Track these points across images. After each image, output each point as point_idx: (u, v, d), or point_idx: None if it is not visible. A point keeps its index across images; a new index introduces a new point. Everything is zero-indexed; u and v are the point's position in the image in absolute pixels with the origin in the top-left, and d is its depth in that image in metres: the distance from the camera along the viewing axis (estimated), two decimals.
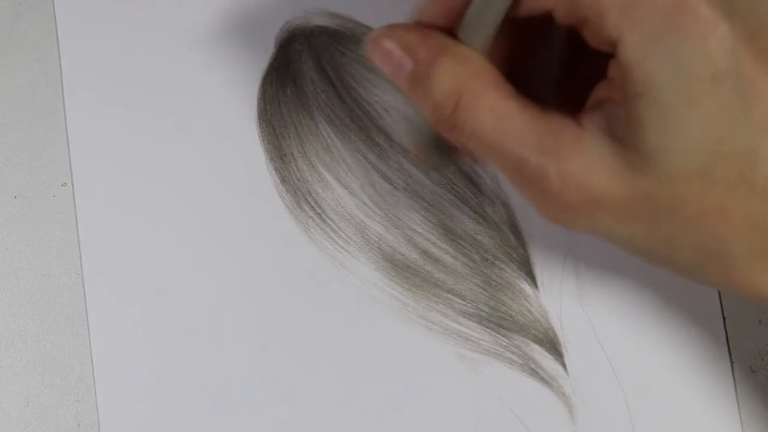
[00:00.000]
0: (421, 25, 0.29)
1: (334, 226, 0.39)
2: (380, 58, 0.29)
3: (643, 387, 0.38)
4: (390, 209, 0.39)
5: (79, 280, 0.38)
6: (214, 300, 0.38)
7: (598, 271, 0.39)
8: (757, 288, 0.28)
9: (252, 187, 0.39)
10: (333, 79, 0.40)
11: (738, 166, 0.26)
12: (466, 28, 0.28)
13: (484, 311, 0.38)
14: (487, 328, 0.38)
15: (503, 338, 0.38)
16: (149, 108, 0.39)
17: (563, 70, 0.32)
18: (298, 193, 0.39)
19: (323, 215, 0.39)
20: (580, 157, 0.27)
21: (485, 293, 0.39)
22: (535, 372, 0.38)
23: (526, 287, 0.39)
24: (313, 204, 0.39)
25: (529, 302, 0.39)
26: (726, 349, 0.38)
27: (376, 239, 0.39)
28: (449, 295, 0.38)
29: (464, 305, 0.38)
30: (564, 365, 0.38)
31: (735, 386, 0.38)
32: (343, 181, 0.39)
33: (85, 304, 0.38)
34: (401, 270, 0.39)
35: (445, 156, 0.33)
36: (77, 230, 0.39)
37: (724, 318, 0.39)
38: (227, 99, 0.40)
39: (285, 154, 0.39)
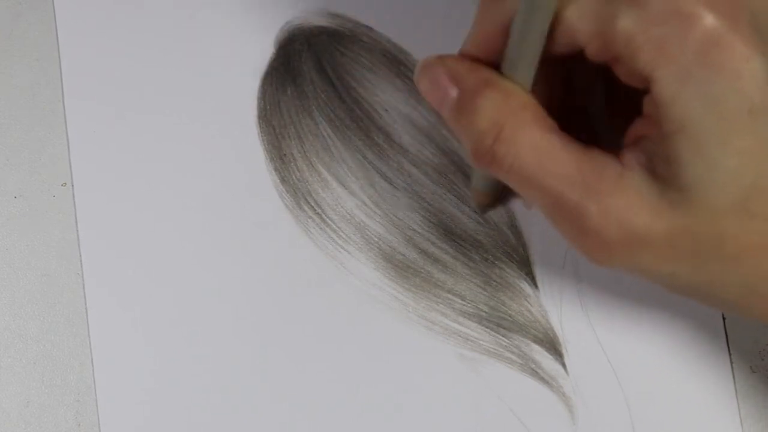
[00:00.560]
0: (470, 58, 0.29)
1: (334, 226, 0.39)
2: (427, 86, 0.29)
3: (643, 387, 0.38)
4: (390, 209, 0.39)
5: (79, 280, 0.38)
6: (214, 300, 0.38)
7: (598, 271, 0.39)
8: None
9: (252, 187, 0.39)
10: (333, 79, 0.40)
11: None
12: (508, 63, 0.28)
13: (484, 311, 0.38)
14: (487, 328, 0.38)
15: (503, 338, 0.38)
16: (149, 108, 0.39)
17: (601, 108, 0.32)
18: (298, 193, 0.39)
19: (323, 215, 0.39)
20: (621, 194, 0.27)
21: (485, 293, 0.39)
22: (535, 372, 0.38)
23: (526, 287, 0.39)
24: (313, 204, 0.39)
25: (529, 302, 0.39)
26: (726, 349, 0.38)
27: (376, 239, 0.39)
28: (449, 295, 0.38)
29: (464, 305, 0.38)
30: (564, 365, 0.38)
31: (735, 386, 0.38)
32: (343, 181, 0.39)
33: (85, 304, 0.38)
34: (401, 270, 0.39)
35: (501, 198, 0.33)
36: (77, 230, 0.39)
37: (724, 318, 0.39)
38: (227, 99, 0.40)
39: (285, 154, 0.39)
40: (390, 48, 0.40)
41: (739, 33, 0.25)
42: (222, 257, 0.39)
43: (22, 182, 0.39)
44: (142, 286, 0.38)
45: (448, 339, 0.38)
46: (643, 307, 0.39)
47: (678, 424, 0.38)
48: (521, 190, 0.29)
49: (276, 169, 0.39)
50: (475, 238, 0.39)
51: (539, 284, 0.39)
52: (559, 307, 0.39)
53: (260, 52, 0.40)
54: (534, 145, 0.27)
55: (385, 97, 0.40)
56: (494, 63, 0.29)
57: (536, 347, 0.38)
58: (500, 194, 0.33)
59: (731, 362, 0.38)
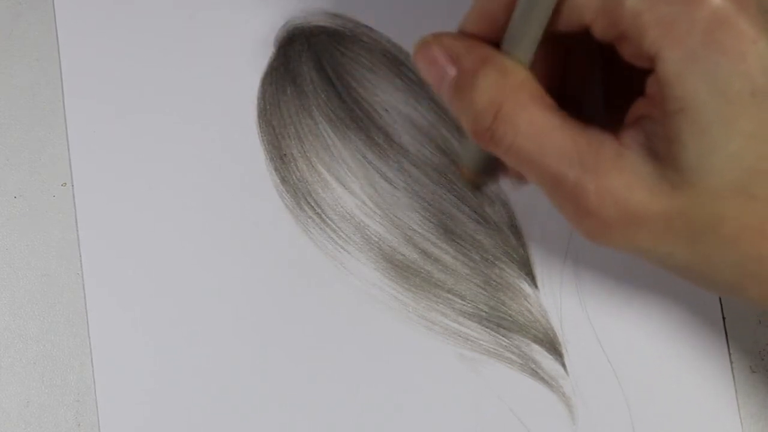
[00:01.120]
0: (468, 35, 0.29)
1: (334, 226, 0.39)
2: (425, 65, 0.29)
3: (643, 387, 0.38)
4: (390, 209, 0.39)
5: (79, 280, 0.38)
6: (214, 300, 0.38)
7: (598, 271, 0.39)
8: None
9: (252, 187, 0.39)
10: (333, 79, 0.40)
11: None
12: (509, 40, 0.28)
13: (484, 311, 0.38)
14: (487, 328, 0.38)
15: (503, 338, 0.38)
16: (149, 108, 0.39)
17: (602, 87, 0.31)
18: (298, 193, 0.39)
19: (323, 215, 0.39)
20: (619, 173, 0.27)
21: (485, 293, 0.39)
22: (535, 372, 0.38)
23: (526, 287, 0.39)
24: (313, 204, 0.39)
25: (529, 302, 0.39)
26: (726, 349, 0.38)
27: (376, 239, 0.39)
28: (449, 295, 0.38)
29: (464, 305, 0.38)
30: (564, 365, 0.38)
31: (735, 386, 0.38)
32: (343, 181, 0.39)
33: (85, 304, 0.38)
34: (401, 270, 0.39)
35: (491, 175, 0.33)
36: (77, 230, 0.39)
37: (724, 318, 0.39)
38: (227, 99, 0.40)
39: (285, 154, 0.39)
40: (390, 48, 0.40)
41: (746, 14, 0.25)
42: (222, 257, 0.39)
43: (22, 182, 0.39)
44: (142, 286, 0.38)
45: (448, 339, 0.38)
46: (644, 308, 0.39)
47: (678, 424, 0.38)
48: (520, 169, 0.28)
49: (276, 169, 0.39)
50: (475, 238, 0.39)
51: (539, 284, 0.39)
52: (559, 307, 0.39)
53: (260, 52, 0.40)
54: (533, 124, 0.27)
55: (385, 97, 0.40)
56: (493, 40, 0.29)
57: (536, 347, 0.38)
58: (490, 171, 0.33)
59: (731, 362, 0.38)
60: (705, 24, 0.25)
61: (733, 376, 0.38)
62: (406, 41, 0.40)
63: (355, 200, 0.39)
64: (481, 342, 0.38)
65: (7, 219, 0.39)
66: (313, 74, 0.40)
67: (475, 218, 0.39)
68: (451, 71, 0.29)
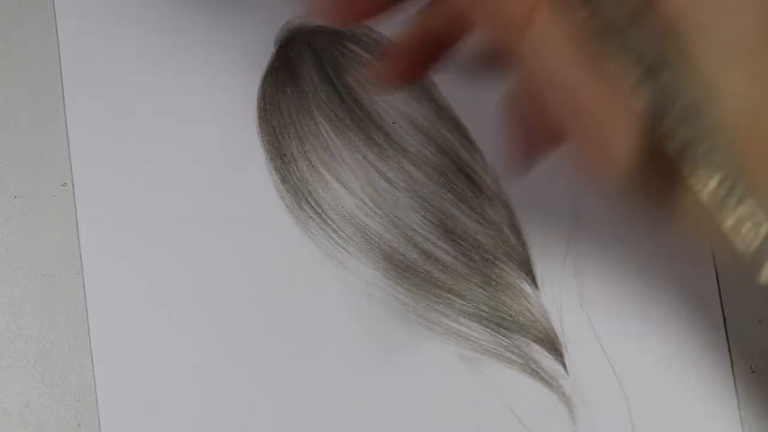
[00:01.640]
0: None
1: (334, 226, 0.39)
2: None
3: (643, 387, 0.38)
4: (390, 209, 0.39)
5: (79, 280, 0.38)
6: (213, 300, 0.38)
7: (598, 271, 0.39)
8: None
9: (252, 187, 0.39)
10: (333, 79, 0.40)
11: None
12: None
13: (484, 311, 0.38)
14: (487, 328, 0.38)
15: (503, 338, 0.38)
16: (149, 108, 0.39)
17: None
18: (298, 193, 0.39)
19: (323, 215, 0.39)
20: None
21: (485, 293, 0.39)
22: (535, 372, 0.38)
23: (526, 287, 0.39)
24: (313, 204, 0.39)
25: (529, 302, 0.39)
26: (726, 349, 0.38)
27: (376, 239, 0.39)
28: (449, 295, 0.38)
29: (464, 305, 0.38)
30: (564, 365, 0.38)
31: (735, 386, 0.38)
32: (343, 181, 0.39)
33: (85, 304, 0.38)
34: (401, 270, 0.39)
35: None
36: (77, 230, 0.39)
37: (724, 318, 0.39)
38: (227, 99, 0.39)
39: (285, 154, 0.39)
40: None
41: None
42: (222, 257, 0.39)
43: (22, 182, 0.39)
44: (142, 286, 0.38)
45: (448, 339, 0.38)
46: (644, 308, 0.39)
47: (678, 424, 0.38)
48: (543, 80, 0.26)
49: (276, 169, 0.39)
50: (475, 238, 0.39)
51: (539, 284, 0.39)
52: (559, 307, 0.39)
53: (260, 52, 0.40)
54: (564, 34, 0.25)
55: (385, 97, 0.40)
56: None
57: (536, 347, 0.38)
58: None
59: (731, 362, 0.38)
60: None
61: (733, 376, 0.38)
62: None
63: (355, 200, 0.39)
64: (482, 342, 0.38)
65: (7, 219, 0.39)
66: (313, 74, 0.40)
67: (475, 218, 0.39)
68: None
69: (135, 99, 0.39)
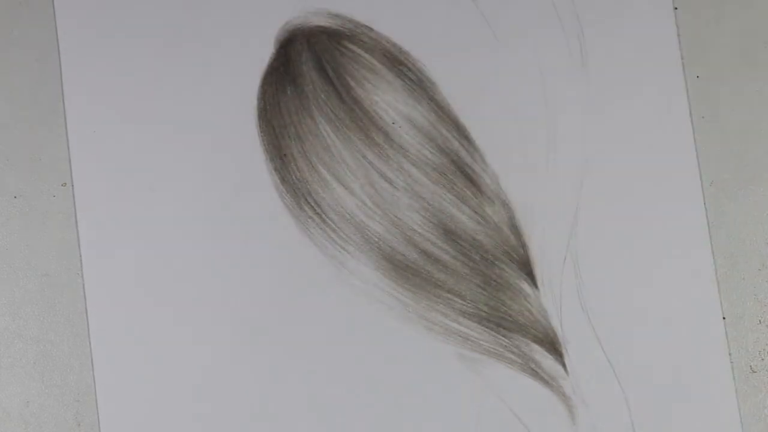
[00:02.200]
0: None
1: (334, 226, 0.39)
2: None
3: (643, 387, 0.38)
4: (390, 209, 0.39)
5: (79, 280, 0.38)
6: (213, 299, 0.38)
7: (598, 271, 0.39)
8: None
9: (252, 187, 0.39)
10: (333, 79, 0.40)
11: None
12: None
13: (484, 311, 0.38)
14: (487, 328, 0.38)
15: (503, 338, 0.38)
16: (149, 108, 0.39)
17: None
18: (298, 193, 0.39)
19: (323, 215, 0.39)
20: None
21: (485, 293, 0.39)
22: (535, 372, 0.38)
23: (526, 287, 0.39)
24: (313, 204, 0.39)
25: (529, 302, 0.39)
26: (726, 349, 0.38)
27: (376, 239, 0.39)
28: (449, 295, 0.38)
29: (464, 305, 0.38)
30: (564, 365, 0.38)
31: (735, 386, 0.38)
32: (343, 181, 0.39)
33: (85, 304, 0.38)
34: (401, 270, 0.39)
35: None
36: (77, 230, 0.39)
37: (724, 318, 0.39)
38: (227, 99, 0.40)
39: (285, 154, 0.39)
40: (390, 48, 0.40)
41: None
42: (222, 257, 0.39)
43: (22, 182, 0.39)
44: (141, 286, 0.38)
45: (448, 339, 0.38)
46: (643, 308, 0.39)
47: (678, 424, 0.38)
48: None
49: (276, 169, 0.39)
50: (475, 238, 0.39)
51: (539, 284, 0.39)
52: (559, 307, 0.39)
53: (260, 52, 0.40)
54: None
55: (385, 97, 0.40)
56: None
57: (536, 347, 0.38)
58: None
59: (731, 362, 0.38)
60: None
61: (733, 376, 0.38)
62: (406, 41, 0.40)
63: (355, 200, 0.39)
64: (481, 342, 0.38)
65: (7, 219, 0.39)
66: (313, 74, 0.40)
67: (475, 218, 0.39)
68: None
69: (135, 99, 0.39)
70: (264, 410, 0.38)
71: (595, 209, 0.39)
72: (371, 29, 0.40)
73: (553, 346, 0.38)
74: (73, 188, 0.39)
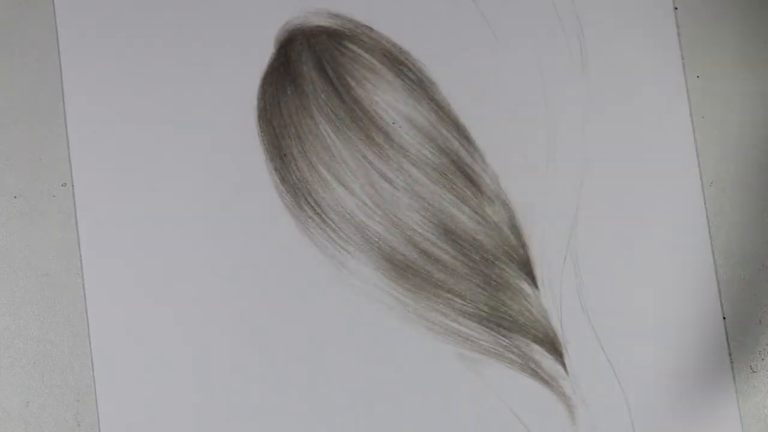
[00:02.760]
0: None
1: (334, 226, 0.39)
2: None
3: (643, 387, 0.38)
4: (390, 209, 0.39)
5: (79, 280, 0.38)
6: (213, 300, 0.38)
7: (598, 271, 0.39)
8: None
9: (252, 187, 0.39)
10: (333, 79, 0.40)
11: None
12: None
13: (484, 311, 0.38)
14: (487, 328, 0.38)
15: (503, 338, 0.38)
16: (149, 108, 0.39)
17: None
18: (298, 193, 0.39)
19: (323, 215, 0.39)
20: None
21: (485, 293, 0.39)
22: (535, 372, 0.38)
23: (526, 287, 0.39)
24: (313, 204, 0.39)
25: (529, 302, 0.39)
26: (726, 349, 0.38)
27: (376, 239, 0.39)
28: (449, 295, 0.38)
29: (464, 305, 0.38)
30: (564, 365, 0.38)
31: (735, 386, 0.38)
32: (343, 181, 0.39)
33: (85, 304, 0.38)
34: (401, 270, 0.39)
35: None
36: (77, 230, 0.39)
37: (724, 318, 0.39)
38: (227, 99, 0.40)
39: (285, 154, 0.39)
40: (390, 48, 0.40)
41: None
42: (222, 257, 0.39)
43: (22, 182, 0.39)
44: (141, 286, 0.38)
45: (448, 339, 0.38)
46: (643, 308, 0.39)
47: (678, 424, 0.38)
48: None
49: (276, 169, 0.39)
50: (475, 238, 0.39)
51: (539, 284, 0.39)
52: (559, 307, 0.39)
53: (260, 52, 0.40)
54: None
55: (385, 97, 0.40)
56: None
57: (536, 347, 0.38)
58: None
59: (731, 362, 0.38)
60: None
61: (733, 376, 0.38)
62: (406, 41, 0.40)
63: (355, 200, 0.39)
64: (481, 342, 0.38)
65: (7, 219, 0.39)
66: (313, 74, 0.40)
67: (475, 218, 0.39)
68: None
69: (135, 99, 0.39)
70: (264, 410, 0.38)
71: (595, 209, 0.39)
72: (371, 29, 0.40)
73: (553, 346, 0.38)
74: (73, 188, 0.39)
